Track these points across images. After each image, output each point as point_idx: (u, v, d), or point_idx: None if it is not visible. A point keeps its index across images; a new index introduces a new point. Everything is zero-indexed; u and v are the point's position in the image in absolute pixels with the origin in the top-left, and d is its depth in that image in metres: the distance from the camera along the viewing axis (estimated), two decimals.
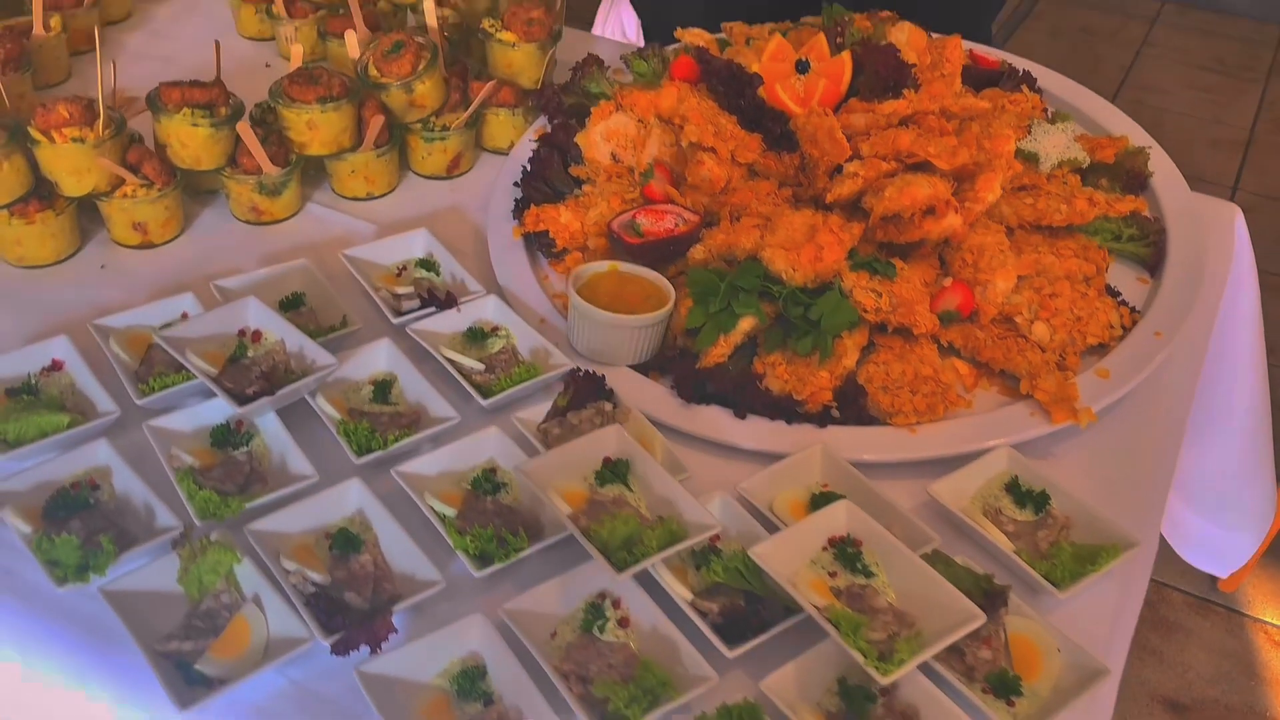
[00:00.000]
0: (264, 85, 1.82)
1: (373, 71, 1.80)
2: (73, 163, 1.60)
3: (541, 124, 1.88)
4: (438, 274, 1.63)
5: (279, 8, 2.14)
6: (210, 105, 1.67)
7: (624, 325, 1.45)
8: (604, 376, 1.40)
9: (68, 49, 2.10)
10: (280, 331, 1.43)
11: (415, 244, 1.67)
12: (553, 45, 1.92)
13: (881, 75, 1.60)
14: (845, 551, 1.17)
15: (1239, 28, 6.11)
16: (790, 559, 1.17)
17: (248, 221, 1.77)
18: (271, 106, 1.79)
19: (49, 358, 1.44)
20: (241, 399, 1.31)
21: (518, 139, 1.92)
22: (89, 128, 1.59)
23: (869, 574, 1.16)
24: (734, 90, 1.62)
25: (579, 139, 1.69)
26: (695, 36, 1.84)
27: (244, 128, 1.66)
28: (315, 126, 1.72)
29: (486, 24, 1.92)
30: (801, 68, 1.63)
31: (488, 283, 1.61)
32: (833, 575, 1.16)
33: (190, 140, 1.67)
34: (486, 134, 1.92)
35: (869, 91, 1.62)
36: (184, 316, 1.52)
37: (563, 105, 1.85)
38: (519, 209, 1.70)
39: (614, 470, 1.25)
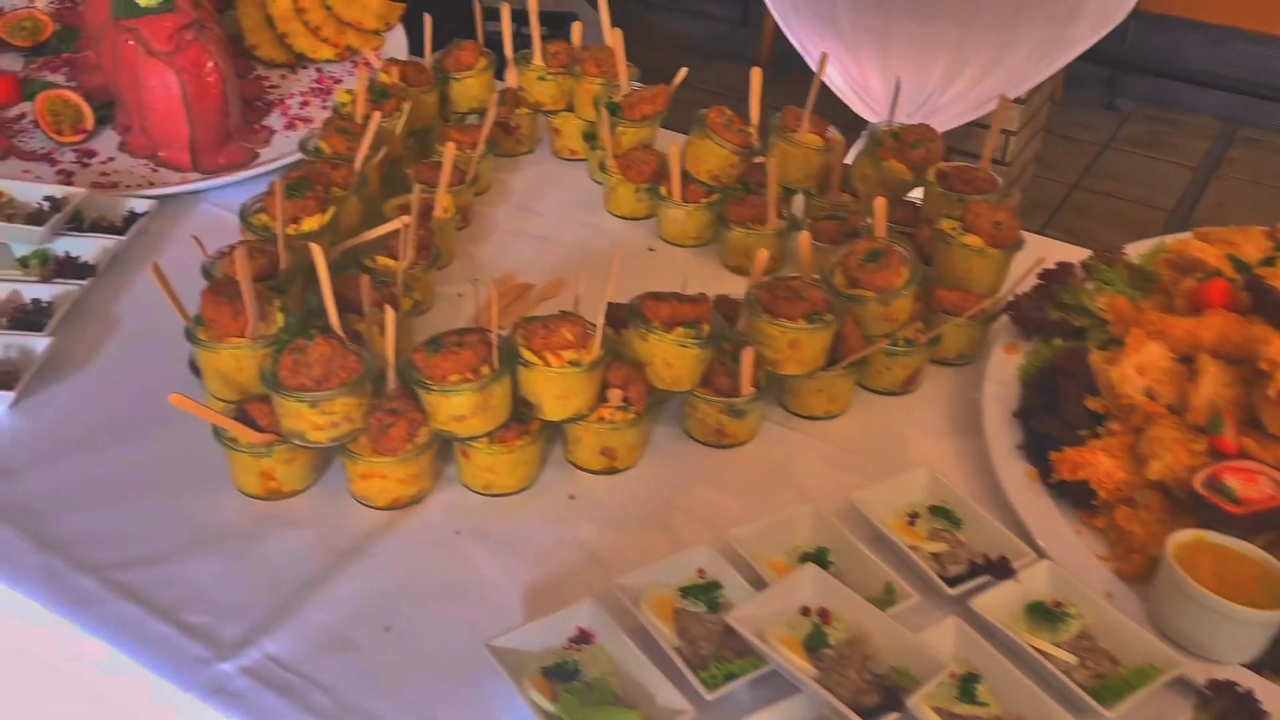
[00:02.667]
0: (652, 272, 1.70)
1: (838, 279, 1.64)
2: (564, 386, 1.43)
3: (1012, 340, 1.70)
4: (958, 525, 1.43)
5: (671, 190, 2.00)
6: (697, 322, 1.51)
7: (1251, 621, 1.23)
8: (1251, 690, 1.18)
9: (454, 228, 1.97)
10: (855, 611, 1.22)
11: (918, 485, 1.48)
12: (1019, 250, 1.74)
13: None
14: None
15: None
16: None
17: (706, 443, 1.59)
18: (725, 317, 1.63)
19: (574, 626, 1.25)
20: (863, 711, 1.10)
21: (968, 350, 1.75)
22: (584, 349, 1.43)
23: None
24: None
25: (1113, 372, 1.49)
26: (1207, 253, 1.64)
27: (750, 355, 1.49)
28: (798, 346, 1.54)
29: (946, 225, 1.74)
30: None
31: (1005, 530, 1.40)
32: None
33: (677, 361, 1.50)
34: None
35: None
36: (700, 573, 1.34)
37: (1046, 320, 1.66)
38: (1033, 447, 1.50)
39: None
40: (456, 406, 1.39)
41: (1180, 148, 5.83)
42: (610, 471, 1.53)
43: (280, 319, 1.45)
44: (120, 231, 1.88)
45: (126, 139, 2.16)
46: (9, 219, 1.80)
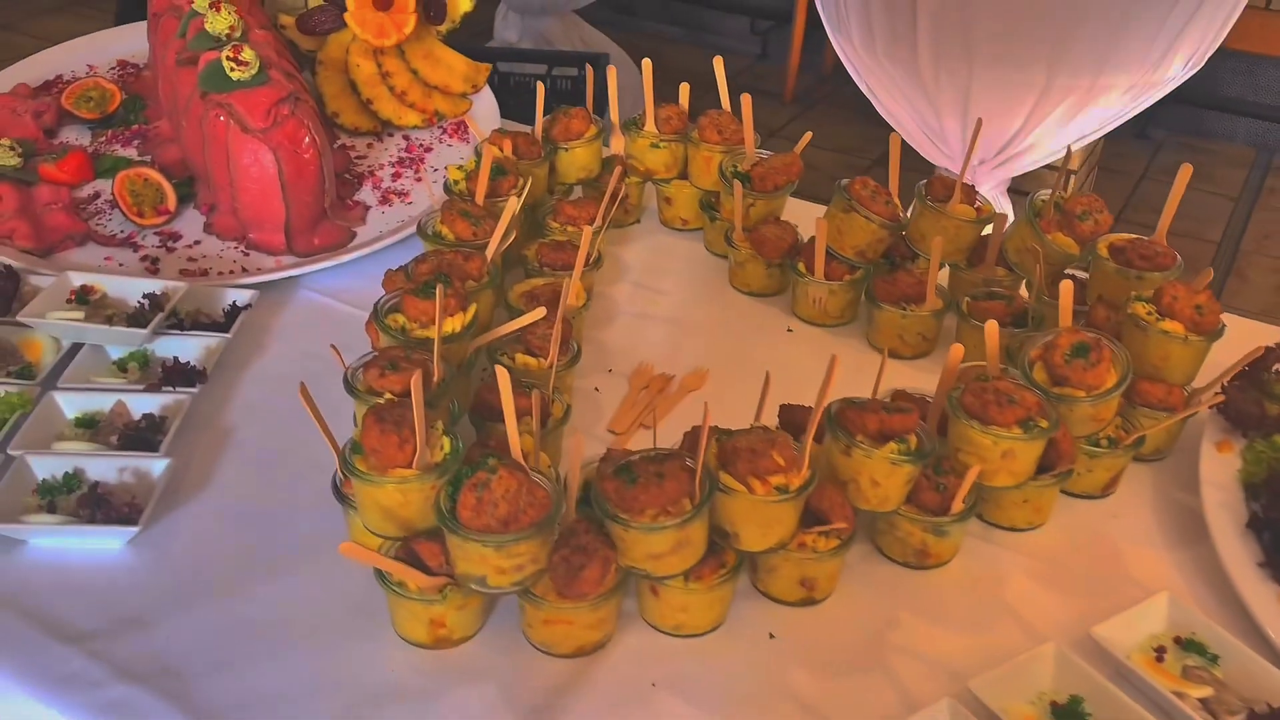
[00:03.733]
0: (795, 357, 1.70)
1: (1039, 375, 1.48)
2: (768, 515, 1.28)
3: (1219, 435, 1.55)
4: (1214, 661, 1.27)
5: (814, 267, 1.85)
6: (905, 434, 1.35)
7: None
8: None
9: None
10: None
11: (1159, 613, 1.32)
12: (1220, 337, 1.59)
13: None
14: None
15: None
16: None
17: (905, 564, 1.43)
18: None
19: None
20: None
21: (1165, 446, 1.61)
22: (793, 472, 1.27)
23: None
24: None
25: None
26: None
27: (975, 472, 1.33)
28: (1012, 456, 1.39)
29: (1141, 309, 1.59)
30: None
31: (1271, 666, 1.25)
32: None
33: (886, 479, 1.34)
34: None
35: None
36: None
37: (1263, 415, 1.51)
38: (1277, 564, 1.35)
39: None
40: (655, 544, 1.23)
41: (1217, 177, 5.73)
42: (808, 602, 1.37)
43: (446, 444, 1.29)
44: (223, 327, 1.72)
45: (212, 219, 2.01)
46: (109, 320, 1.64)
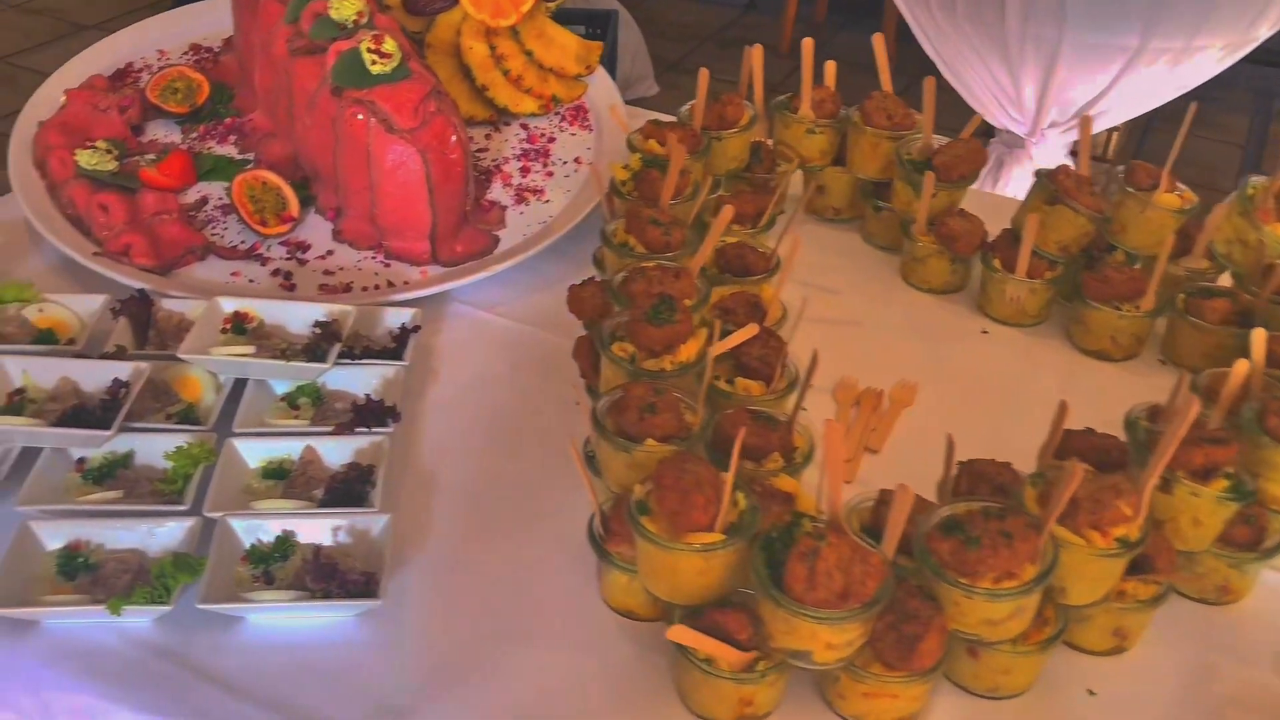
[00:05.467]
0: (997, 362, 1.66)
1: None
2: (1103, 569, 1.16)
3: None
4: None
5: (1012, 265, 1.73)
6: (1227, 467, 1.24)
7: None
8: None
9: None
10: None
11: None
12: None
13: None
14: None
15: None
16: None
17: (1204, 601, 1.33)
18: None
19: None
20: None
21: None
22: (1136, 521, 1.15)
23: None
24: None
25: None
26: None
27: None
28: None
29: None
30: None
31: None
32: None
33: (1209, 518, 1.23)
34: None
35: None
36: None
37: None
38: None
39: None
40: (996, 611, 1.11)
41: (1220, 124, 5.68)
42: (1117, 651, 1.26)
43: (740, 500, 1.15)
44: (393, 353, 1.55)
45: (341, 225, 1.82)
46: (283, 353, 1.47)
